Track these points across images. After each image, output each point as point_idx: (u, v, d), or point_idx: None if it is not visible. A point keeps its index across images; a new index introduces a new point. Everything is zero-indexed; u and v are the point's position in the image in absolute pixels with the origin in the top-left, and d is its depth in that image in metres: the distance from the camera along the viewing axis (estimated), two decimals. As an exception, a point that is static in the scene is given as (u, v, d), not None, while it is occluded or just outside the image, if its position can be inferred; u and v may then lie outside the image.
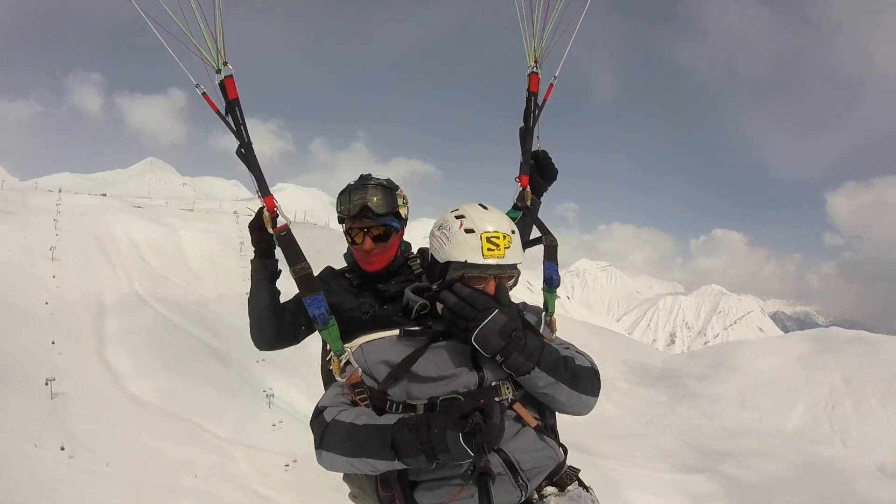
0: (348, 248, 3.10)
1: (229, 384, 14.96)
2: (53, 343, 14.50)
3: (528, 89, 3.23)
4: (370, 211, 2.89)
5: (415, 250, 3.25)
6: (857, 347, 30.72)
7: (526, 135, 3.25)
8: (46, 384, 11.68)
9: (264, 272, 2.89)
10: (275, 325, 2.91)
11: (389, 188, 2.98)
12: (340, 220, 3.07)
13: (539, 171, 3.34)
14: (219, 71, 2.50)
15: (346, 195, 2.95)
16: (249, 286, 2.93)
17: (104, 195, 37.17)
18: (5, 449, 9.18)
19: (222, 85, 2.53)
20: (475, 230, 2.26)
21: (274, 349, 3.05)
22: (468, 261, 2.23)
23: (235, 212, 39.56)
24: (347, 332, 2.70)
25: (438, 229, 2.39)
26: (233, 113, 2.55)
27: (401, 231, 3.08)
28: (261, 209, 2.70)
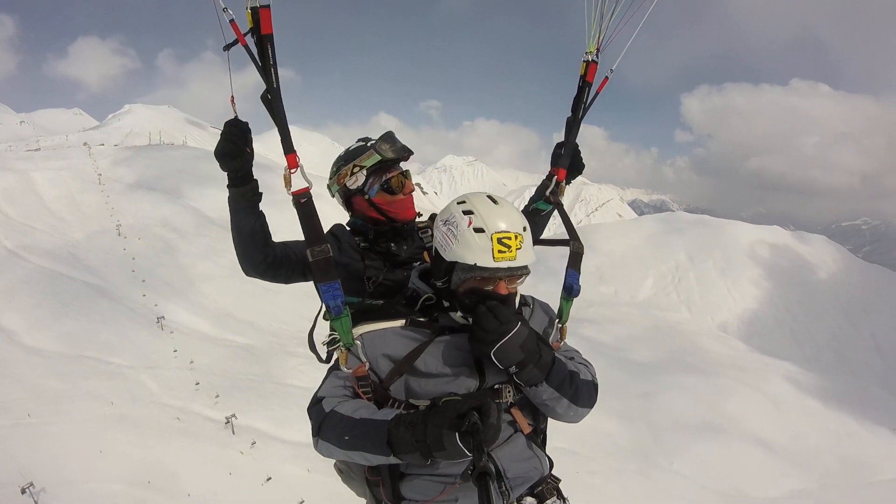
0: (354, 215, 3.02)
1: (119, 317, 15.51)
2: None
3: (582, 77, 2.98)
4: (410, 152, 2.92)
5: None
6: (699, 229, 34.87)
7: (573, 126, 3.05)
8: None
9: (244, 201, 2.52)
10: (261, 253, 2.62)
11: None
12: (347, 194, 2.96)
13: (571, 164, 3.14)
14: None
15: (384, 144, 2.89)
16: (229, 215, 2.57)
17: None
18: None
19: (255, 14, 2.12)
20: (485, 229, 2.12)
21: (263, 278, 2.74)
22: (478, 264, 2.10)
23: (86, 143, 37.36)
24: (350, 291, 2.66)
25: (444, 224, 2.23)
26: (263, 50, 2.16)
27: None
28: (229, 128, 2.39)
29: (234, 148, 2.40)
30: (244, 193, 2.51)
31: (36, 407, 10.86)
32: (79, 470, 8.90)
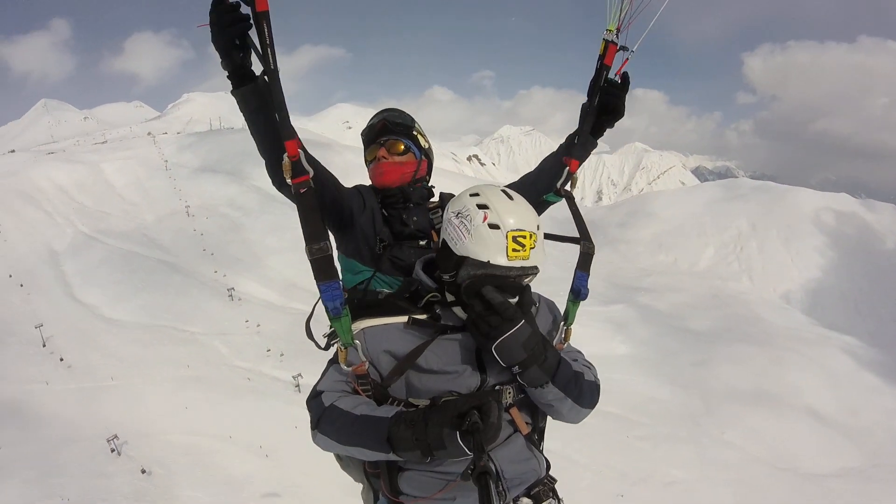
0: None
1: (191, 289, 16.48)
2: (29, 294, 15.82)
3: (601, 58, 2.75)
4: (387, 123, 2.90)
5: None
6: (762, 195, 33.49)
7: (588, 113, 2.84)
8: (36, 328, 13.04)
9: (253, 101, 2.20)
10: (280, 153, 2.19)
11: (406, 113, 2.98)
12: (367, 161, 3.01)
13: (606, 104, 2.83)
14: None
15: (371, 120, 2.97)
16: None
17: (13, 151, 36.04)
18: (19, 394, 10.82)
19: None
20: (501, 226, 2.08)
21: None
22: (491, 261, 2.07)
23: (149, 133, 39.20)
24: (365, 258, 2.73)
25: (457, 216, 2.18)
26: (259, 28, 1.96)
27: (421, 159, 2.98)
28: (218, 16, 2.04)
29: (227, 35, 2.07)
30: (246, 96, 2.19)
31: (118, 371, 11.69)
32: (159, 424, 9.54)
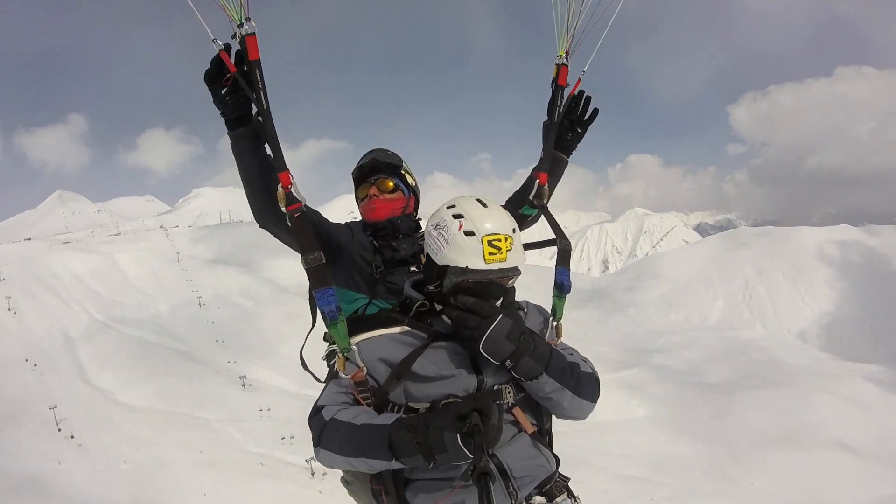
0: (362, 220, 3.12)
1: (205, 377, 16.60)
2: (42, 376, 15.87)
3: (555, 81, 2.98)
4: (377, 163, 3.00)
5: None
6: (764, 240, 33.70)
7: (550, 130, 3.03)
8: (50, 409, 13.09)
9: (246, 143, 2.40)
10: (266, 195, 2.45)
11: (394, 153, 3.11)
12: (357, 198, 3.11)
13: (574, 121, 3.12)
14: (241, 26, 2.15)
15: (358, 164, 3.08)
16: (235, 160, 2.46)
17: (29, 239, 36.77)
18: (36, 471, 10.79)
19: (243, 43, 2.17)
20: (476, 232, 2.12)
21: (276, 229, 2.60)
22: (469, 266, 2.10)
23: (162, 226, 40.08)
24: (359, 287, 2.82)
25: (435, 228, 2.23)
26: (251, 76, 2.18)
27: (409, 196, 3.10)
28: (216, 60, 2.24)
29: (213, 72, 2.25)
30: (239, 136, 2.37)
31: (130, 455, 11.73)
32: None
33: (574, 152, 3.21)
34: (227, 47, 2.22)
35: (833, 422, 13.81)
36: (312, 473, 11.32)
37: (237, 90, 2.27)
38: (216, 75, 2.27)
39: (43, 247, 28.91)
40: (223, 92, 2.29)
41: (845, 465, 12.09)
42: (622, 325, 26.63)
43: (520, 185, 3.31)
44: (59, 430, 12.65)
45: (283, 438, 13.29)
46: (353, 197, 3.05)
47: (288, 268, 25.36)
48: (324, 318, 2.18)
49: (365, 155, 3.09)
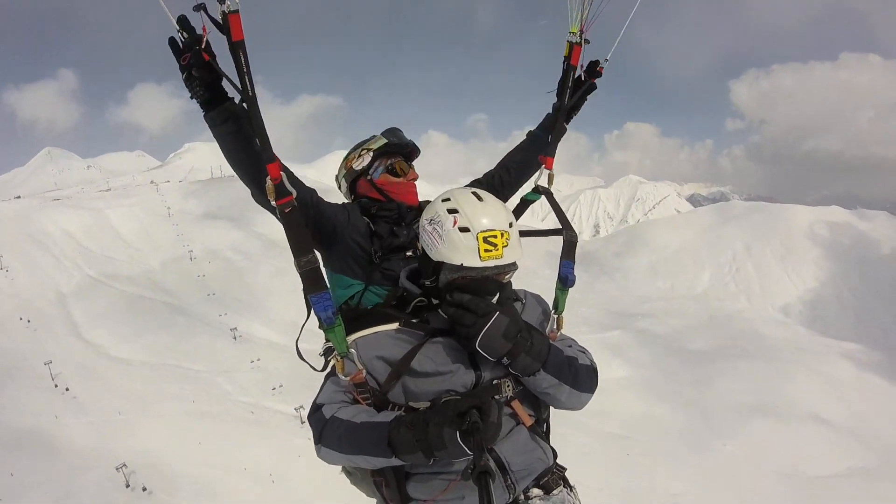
0: (357, 198, 2.99)
1: (196, 330, 16.73)
2: (36, 332, 16.05)
3: (567, 60, 2.84)
4: (414, 152, 3.01)
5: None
6: (755, 216, 33.63)
7: (559, 112, 2.95)
8: (45, 365, 13.26)
9: (228, 125, 2.22)
10: (256, 168, 2.28)
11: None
12: (351, 178, 2.98)
13: (579, 84, 2.97)
14: (222, 2, 1.93)
15: (390, 134, 2.97)
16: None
17: (19, 197, 36.51)
18: (31, 426, 11.01)
19: (225, 21, 1.94)
20: (471, 229, 2.08)
21: (273, 214, 2.39)
22: (464, 264, 2.07)
23: (153, 181, 39.82)
24: (355, 273, 2.71)
25: (429, 223, 2.18)
26: (235, 57, 1.98)
27: None
28: (186, 45, 2.05)
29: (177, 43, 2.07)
30: (215, 119, 2.19)
31: (125, 406, 11.93)
32: (167, 456, 9.73)
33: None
34: (185, 21, 2.01)
35: (809, 395, 14.26)
36: (302, 421, 11.58)
37: (204, 65, 2.06)
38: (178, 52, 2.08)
39: (33, 204, 28.67)
40: (187, 66, 2.07)
41: (817, 436, 12.53)
42: (608, 290, 26.81)
43: (502, 161, 3.28)
44: (56, 385, 12.84)
45: (273, 389, 13.51)
46: (345, 153, 2.95)
47: (277, 222, 25.51)
48: (320, 323, 2.13)
49: (397, 132, 3.00)
